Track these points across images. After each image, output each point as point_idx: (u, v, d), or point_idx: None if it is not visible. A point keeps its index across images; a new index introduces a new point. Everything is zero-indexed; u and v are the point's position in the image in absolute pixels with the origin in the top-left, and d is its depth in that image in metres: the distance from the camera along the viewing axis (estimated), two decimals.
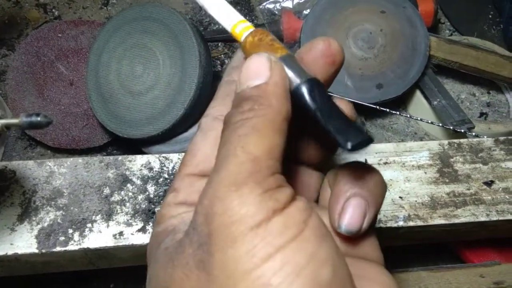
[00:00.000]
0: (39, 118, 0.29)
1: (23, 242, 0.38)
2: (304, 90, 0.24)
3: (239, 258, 0.19)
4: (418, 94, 0.68)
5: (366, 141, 0.22)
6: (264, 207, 0.19)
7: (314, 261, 0.19)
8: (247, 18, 0.79)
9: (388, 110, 0.62)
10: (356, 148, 0.22)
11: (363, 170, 0.26)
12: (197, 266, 0.20)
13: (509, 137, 0.47)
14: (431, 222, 0.41)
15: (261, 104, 0.22)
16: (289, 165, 0.28)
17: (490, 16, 0.81)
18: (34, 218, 0.40)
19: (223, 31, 0.76)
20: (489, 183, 0.44)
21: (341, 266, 0.20)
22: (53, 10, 0.77)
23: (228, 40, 0.75)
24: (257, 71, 0.23)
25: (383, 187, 0.26)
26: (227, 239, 0.19)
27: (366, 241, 0.26)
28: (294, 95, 0.24)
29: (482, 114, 0.71)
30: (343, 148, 0.22)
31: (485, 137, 0.53)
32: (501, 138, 0.47)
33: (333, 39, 0.26)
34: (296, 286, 0.18)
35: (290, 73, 0.24)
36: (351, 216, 0.24)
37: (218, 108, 0.26)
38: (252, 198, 0.19)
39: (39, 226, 0.39)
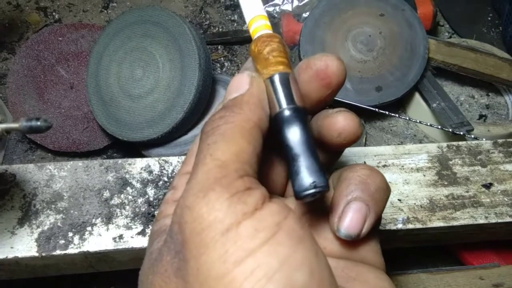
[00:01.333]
0: (39, 123, 0.30)
1: (23, 245, 0.39)
2: (281, 119, 0.23)
3: (212, 264, 0.19)
4: (417, 96, 0.68)
5: (316, 193, 0.22)
6: (233, 211, 0.19)
7: (288, 264, 0.18)
8: None
9: (387, 112, 0.62)
10: (302, 198, 0.22)
11: (366, 173, 0.26)
12: (175, 273, 0.20)
13: (508, 140, 0.47)
14: (430, 224, 0.42)
15: (232, 111, 0.22)
16: None
17: (489, 19, 0.81)
18: (34, 222, 0.40)
19: (223, 34, 0.76)
20: (487, 186, 0.44)
21: (320, 269, 0.19)
22: (54, 13, 0.78)
23: (228, 42, 0.76)
24: (237, 85, 0.24)
25: (386, 191, 0.26)
26: (200, 246, 0.19)
27: (367, 245, 0.26)
28: (273, 121, 0.24)
29: (481, 116, 0.72)
30: (294, 192, 0.23)
31: (483, 139, 0.53)
32: (500, 141, 0.47)
33: (333, 58, 0.25)
34: None
35: (276, 95, 0.24)
36: (350, 220, 0.24)
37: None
38: (219, 203, 0.19)
39: (39, 230, 0.40)
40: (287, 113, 0.23)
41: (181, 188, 0.25)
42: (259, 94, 0.23)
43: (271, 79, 0.24)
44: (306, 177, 0.22)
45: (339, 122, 0.25)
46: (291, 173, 0.23)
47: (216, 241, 0.19)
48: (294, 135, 0.23)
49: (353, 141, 0.26)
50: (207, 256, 0.19)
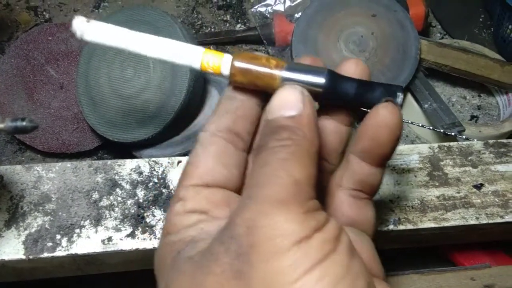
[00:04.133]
0: (24, 123, 0.29)
1: (10, 248, 0.38)
2: (335, 79, 0.26)
3: (282, 270, 0.20)
4: (409, 97, 0.68)
5: (399, 87, 0.26)
6: (307, 226, 0.21)
7: (350, 273, 0.21)
8: (239, 21, 0.79)
9: None
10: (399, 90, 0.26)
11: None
12: (234, 275, 0.21)
13: (499, 140, 0.48)
14: (421, 225, 0.41)
15: (297, 134, 0.23)
16: None
17: (481, 20, 0.82)
18: (21, 224, 0.39)
19: (215, 34, 0.76)
20: (478, 186, 0.44)
21: (371, 280, 0.22)
22: (44, 13, 0.77)
23: (220, 43, 0.75)
24: (291, 102, 0.24)
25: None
26: (271, 251, 0.20)
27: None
28: (328, 87, 0.25)
29: (473, 117, 0.72)
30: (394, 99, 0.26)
31: (475, 140, 0.53)
32: (491, 141, 0.47)
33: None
34: None
35: (308, 76, 0.25)
36: None
37: (217, 124, 0.27)
38: (296, 217, 0.21)
39: (27, 232, 0.39)
40: (330, 72, 0.26)
41: (191, 200, 0.26)
42: (315, 117, 0.25)
43: (289, 67, 0.26)
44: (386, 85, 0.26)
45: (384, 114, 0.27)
46: (373, 98, 0.26)
47: (288, 249, 0.20)
48: (349, 78, 0.27)
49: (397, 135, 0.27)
50: (278, 262, 0.20)
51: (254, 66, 0.26)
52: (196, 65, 0.26)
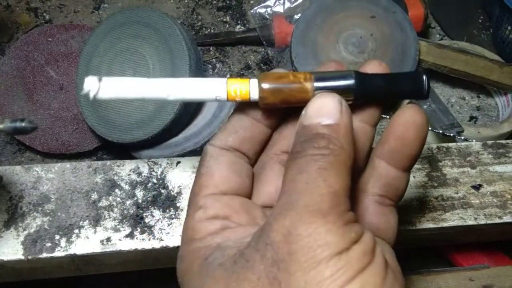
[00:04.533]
0: (23, 124, 0.29)
1: (9, 248, 0.38)
2: (363, 78, 0.26)
3: (322, 280, 0.20)
4: None
5: (421, 72, 0.28)
6: (347, 238, 0.21)
7: (386, 284, 0.21)
8: (239, 22, 0.80)
9: None
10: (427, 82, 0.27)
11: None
12: (270, 283, 0.21)
13: (497, 141, 0.48)
14: (420, 226, 0.42)
15: (335, 144, 0.23)
16: None
17: (480, 21, 0.82)
18: (20, 224, 0.39)
19: (215, 35, 0.76)
20: (477, 187, 0.44)
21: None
22: (44, 14, 0.77)
23: (220, 44, 0.75)
24: (329, 110, 0.24)
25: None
26: (311, 261, 0.20)
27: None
28: (359, 87, 0.26)
29: (472, 118, 0.72)
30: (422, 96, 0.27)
31: (473, 141, 0.53)
32: (489, 142, 0.47)
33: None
34: None
35: (337, 81, 0.26)
36: None
37: (225, 140, 0.28)
38: (336, 228, 0.21)
39: (26, 232, 0.39)
40: (358, 74, 0.26)
41: (211, 207, 0.26)
42: (352, 128, 0.24)
43: (317, 77, 0.26)
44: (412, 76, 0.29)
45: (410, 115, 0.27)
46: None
47: (329, 260, 0.20)
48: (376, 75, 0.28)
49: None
50: (318, 272, 0.20)
51: (284, 85, 0.25)
52: (223, 97, 0.25)
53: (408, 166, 0.28)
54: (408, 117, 0.26)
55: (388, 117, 0.63)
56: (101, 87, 0.25)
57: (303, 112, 0.25)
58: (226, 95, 0.25)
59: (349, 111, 0.25)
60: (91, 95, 0.25)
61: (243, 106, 0.28)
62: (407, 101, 0.27)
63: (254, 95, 0.26)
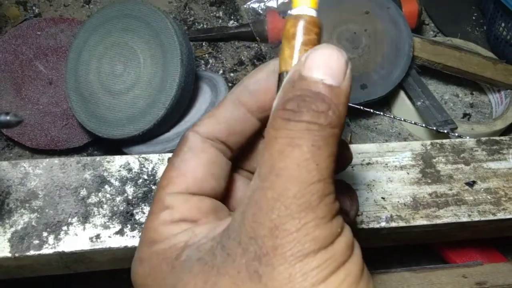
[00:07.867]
0: (8, 117, 0.28)
1: None
2: None
3: (307, 272, 0.20)
4: (402, 94, 0.68)
5: None
6: (334, 231, 0.21)
7: (364, 275, 0.22)
8: (232, 18, 0.79)
9: (372, 110, 0.62)
10: None
11: None
12: (250, 277, 0.20)
13: (491, 138, 0.47)
14: (413, 223, 0.41)
15: (334, 113, 0.21)
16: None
17: (474, 18, 0.82)
18: (7, 221, 0.38)
19: (208, 30, 0.75)
20: (471, 184, 0.44)
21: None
22: (34, 7, 0.76)
23: (212, 39, 0.75)
24: (335, 69, 0.21)
25: None
26: (298, 255, 0.20)
27: None
28: None
29: (465, 114, 0.72)
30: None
31: (467, 137, 0.53)
32: (483, 139, 0.47)
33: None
34: None
35: None
36: None
37: (212, 129, 0.26)
38: (324, 223, 0.21)
39: (13, 229, 0.38)
40: None
41: (179, 209, 0.24)
42: (349, 94, 0.22)
43: None
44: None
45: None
46: None
47: (315, 253, 0.20)
48: None
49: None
50: (304, 264, 0.20)
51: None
52: None
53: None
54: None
55: (382, 113, 0.63)
56: None
57: (302, 58, 0.22)
58: None
59: (350, 76, 0.22)
60: None
61: (239, 93, 0.26)
62: None
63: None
